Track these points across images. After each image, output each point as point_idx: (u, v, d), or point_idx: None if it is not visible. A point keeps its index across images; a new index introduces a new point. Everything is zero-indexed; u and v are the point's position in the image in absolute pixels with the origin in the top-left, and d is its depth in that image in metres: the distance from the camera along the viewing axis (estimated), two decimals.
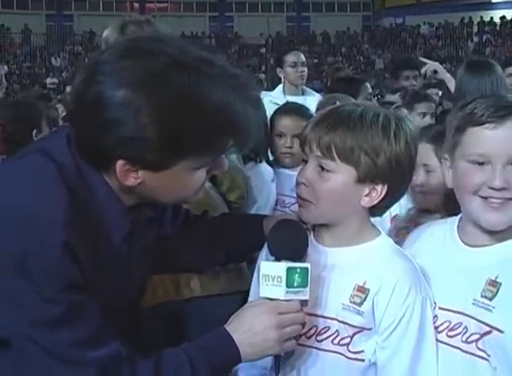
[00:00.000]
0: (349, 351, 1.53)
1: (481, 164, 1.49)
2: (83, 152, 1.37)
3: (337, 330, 1.54)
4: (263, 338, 1.43)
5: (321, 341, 1.55)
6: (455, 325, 1.52)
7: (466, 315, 1.51)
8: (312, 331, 1.56)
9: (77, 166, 1.38)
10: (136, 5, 36.86)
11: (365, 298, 1.51)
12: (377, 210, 1.59)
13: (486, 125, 1.48)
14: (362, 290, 1.52)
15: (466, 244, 1.56)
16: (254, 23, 35.43)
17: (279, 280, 1.43)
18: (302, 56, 5.28)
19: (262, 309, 1.45)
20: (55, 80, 28.06)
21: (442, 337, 1.54)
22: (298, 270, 1.43)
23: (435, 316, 1.55)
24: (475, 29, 33.94)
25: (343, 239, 1.58)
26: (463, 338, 1.51)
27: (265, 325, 1.43)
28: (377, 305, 1.51)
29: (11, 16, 33.41)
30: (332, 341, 1.54)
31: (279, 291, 1.43)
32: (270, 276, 1.44)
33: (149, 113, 1.27)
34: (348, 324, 1.52)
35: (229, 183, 2.62)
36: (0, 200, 1.34)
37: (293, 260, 1.45)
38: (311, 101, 4.69)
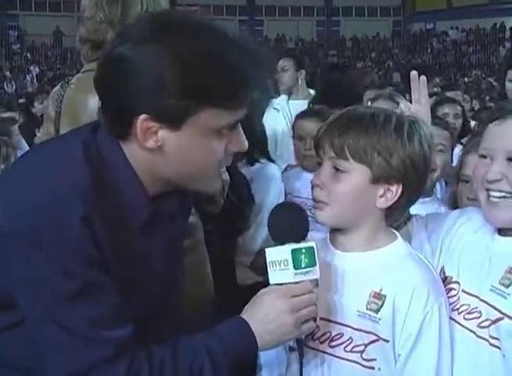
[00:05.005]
0: (363, 359, 1.50)
1: (484, 157, 1.54)
2: (106, 114, 1.39)
3: (350, 338, 1.52)
4: (279, 324, 1.41)
5: (334, 347, 1.53)
6: (472, 309, 1.53)
7: (482, 300, 1.51)
8: (326, 336, 1.54)
9: (98, 149, 1.40)
10: None
11: (382, 304, 1.49)
12: (393, 212, 1.57)
13: (495, 122, 1.53)
14: (379, 296, 1.50)
15: (499, 233, 1.56)
16: (283, 27, 35.51)
17: (285, 263, 1.41)
18: (286, 62, 5.29)
19: (274, 295, 1.43)
20: None
21: (461, 319, 1.54)
22: (304, 250, 1.41)
23: (458, 299, 1.55)
24: (507, 34, 33.55)
25: (359, 243, 1.56)
26: (477, 323, 1.51)
27: (280, 311, 1.41)
28: (397, 313, 1.48)
29: (43, 18, 33.91)
30: (344, 348, 1.52)
31: (287, 275, 1.41)
32: (276, 261, 1.42)
33: (168, 61, 1.30)
34: (363, 331, 1.50)
35: None
36: (24, 175, 1.36)
37: (297, 241, 1.43)
38: None
